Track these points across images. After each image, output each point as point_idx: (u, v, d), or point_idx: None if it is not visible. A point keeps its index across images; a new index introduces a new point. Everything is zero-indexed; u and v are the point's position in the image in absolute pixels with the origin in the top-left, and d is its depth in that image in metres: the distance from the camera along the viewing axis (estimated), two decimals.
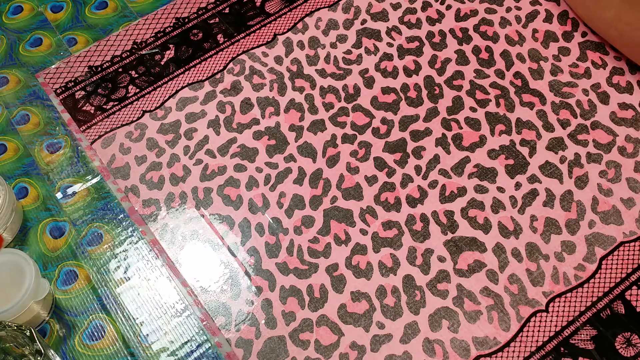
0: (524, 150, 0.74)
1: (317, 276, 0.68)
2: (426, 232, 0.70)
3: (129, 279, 0.69)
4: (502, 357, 0.62)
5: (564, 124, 0.75)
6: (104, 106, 0.81)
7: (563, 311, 0.64)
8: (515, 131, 0.75)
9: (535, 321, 0.64)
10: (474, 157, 0.74)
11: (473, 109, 0.77)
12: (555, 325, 0.64)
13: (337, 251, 0.69)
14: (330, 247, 0.69)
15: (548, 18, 0.84)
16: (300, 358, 0.64)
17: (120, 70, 0.84)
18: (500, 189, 0.72)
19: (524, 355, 0.62)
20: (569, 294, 0.65)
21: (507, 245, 0.68)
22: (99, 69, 0.84)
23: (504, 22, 0.84)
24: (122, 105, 0.81)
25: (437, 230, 0.70)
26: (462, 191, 0.72)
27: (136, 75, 0.83)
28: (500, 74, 0.80)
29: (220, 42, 0.85)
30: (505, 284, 0.66)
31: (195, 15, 0.88)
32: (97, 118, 0.80)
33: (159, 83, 0.82)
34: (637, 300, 0.65)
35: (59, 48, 0.87)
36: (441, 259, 0.68)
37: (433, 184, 0.72)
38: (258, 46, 0.84)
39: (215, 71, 0.83)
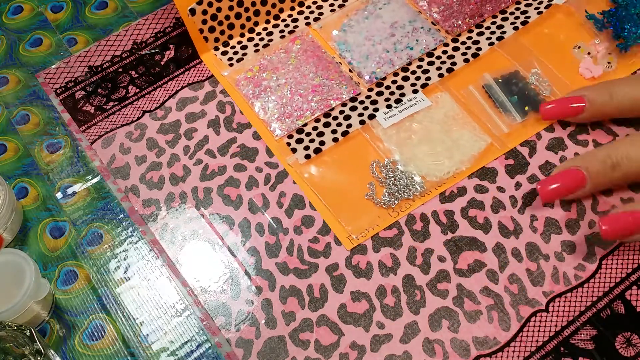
0: (524, 151, 0.74)
1: (317, 276, 0.68)
2: (426, 232, 0.70)
3: (129, 279, 0.70)
4: (502, 357, 0.62)
5: (564, 124, 0.75)
6: (104, 106, 0.81)
7: (563, 311, 0.64)
8: None
9: (535, 321, 0.64)
10: None
11: None
12: (555, 325, 0.64)
13: (337, 251, 0.69)
14: (330, 247, 0.69)
15: None
16: (300, 358, 0.64)
17: (120, 70, 0.84)
18: (500, 189, 0.72)
19: (524, 355, 0.62)
20: (569, 294, 0.65)
21: (507, 245, 0.68)
22: (99, 69, 0.84)
23: None
24: (122, 105, 0.81)
25: (437, 230, 0.70)
26: (462, 191, 0.72)
27: (136, 75, 0.83)
28: None
29: None
30: (505, 283, 0.66)
31: None
32: (97, 118, 0.80)
33: (159, 83, 0.82)
34: (637, 300, 0.65)
35: (59, 48, 0.88)
36: (441, 259, 0.68)
37: None
38: None
39: None
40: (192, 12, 0.79)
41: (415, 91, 0.77)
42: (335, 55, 0.81)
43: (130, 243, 0.72)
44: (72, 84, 0.84)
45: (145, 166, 0.76)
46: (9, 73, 0.86)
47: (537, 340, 0.63)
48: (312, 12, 0.85)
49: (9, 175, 0.77)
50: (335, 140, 0.75)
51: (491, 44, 0.80)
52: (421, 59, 0.80)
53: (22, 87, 0.85)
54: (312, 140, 0.75)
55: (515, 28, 0.80)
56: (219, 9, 0.80)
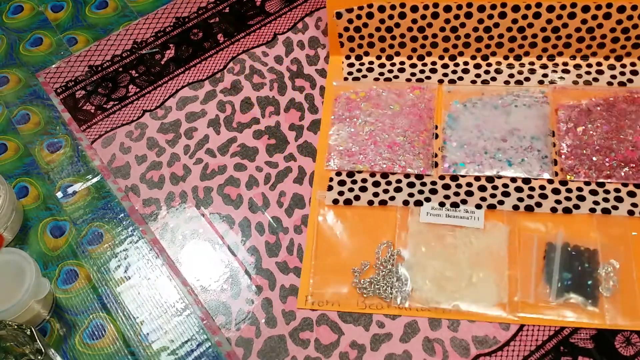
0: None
1: None
2: None
3: (129, 278, 0.70)
4: (501, 356, 0.62)
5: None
6: (105, 105, 0.81)
7: None
8: None
9: None
10: None
11: None
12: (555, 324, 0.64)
13: None
14: None
15: None
16: (300, 357, 0.64)
17: (120, 69, 0.84)
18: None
19: (524, 355, 0.62)
20: None
21: None
22: (100, 68, 0.84)
23: None
24: (122, 104, 0.81)
25: None
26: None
27: (136, 75, 0.83)
28: None
29: (221, 41, 0.85)
30: None
31: (196, 14, 0.88)
32: (98, 117, 0.80)
33: (159, 82, 0.82)
34: None
35: (60, 47, 0.88)
36: None
37: None
38: (258, 46, 0.84)
39: (216, 70, 0.83)
40: (339, 15, 0.76)
41: (478, 206, 0.68)
42: (439, 126, 0.74)
43: (131, 242, 0.72)
44: (73, 83, 0.84)
45: (145, 165, 0.76)
46: (10, 72, 0.86)
47: (536, 340, 0.63)
48: (454, 72, 0.78)
49: (10, 174, 0.78)
50: (370, 203, 0.70)
51: (593, 210, 0.67)
52: (513, 180, 0.70)
53: (22, 87, 0.85)
54: (350, 190, 0.71)
55: (631, 212, 0.67)
56: (365, 25, 0.77)
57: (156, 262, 0.70)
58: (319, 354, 0.64)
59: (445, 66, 0.78)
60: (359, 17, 0.76)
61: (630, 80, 0.75)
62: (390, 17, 0.76)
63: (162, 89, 0.82)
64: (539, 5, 0.73)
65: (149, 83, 0.83)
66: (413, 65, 0.79)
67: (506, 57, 0.77)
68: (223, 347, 0.65)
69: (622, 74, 0.75)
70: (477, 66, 0.78)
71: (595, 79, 0.75)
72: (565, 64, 0.76)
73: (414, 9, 0.75)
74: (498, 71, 0.77)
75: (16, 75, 0.86)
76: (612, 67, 0.75)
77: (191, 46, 0.85)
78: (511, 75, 0.77)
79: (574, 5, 0.73)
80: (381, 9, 0.75)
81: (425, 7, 0.75)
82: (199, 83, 0.82)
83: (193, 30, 0.86)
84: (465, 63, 0.78)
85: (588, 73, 0.75)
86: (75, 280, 0.70)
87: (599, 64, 0.76)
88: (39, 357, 0.59)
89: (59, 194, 0.76)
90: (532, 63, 0.77)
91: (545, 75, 0.76)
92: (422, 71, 0.78)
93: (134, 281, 0.69)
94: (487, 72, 0.77)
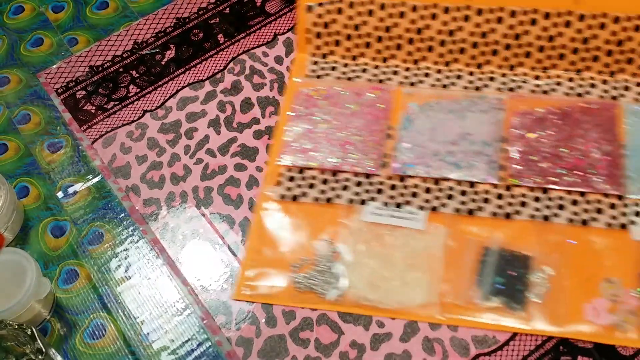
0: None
1: None
2: None
3: (130, 278, 0.70)
4: (501, 355, 0.62)
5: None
6: (105, 106, 0.81)
7: None
8: None
9: None
10: None
11: None
12: None
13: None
14: None
15: None
16: (300, 357, 0.64)
17: (121, 70, 0.84)
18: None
19: (523, 354, 0.62)
20: None
21: None
22: (100, 68, 0.85)
23: None
24: (123, 104, 0.81)
25: None
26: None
27: (137, 75, 0.84)
28: None
29: (221, 42, 0.85)
30: None
31: (196, 15, 0.88)
32: (98, 118, 0.81)
33: (160, 83, 0.83)
34: None
35: (60, 48, 0.88)
36: None
37: None
38: (258, 46, 0.84)
39: (216, 71, 0.83)
40: (310, 8, 0.77)
41: (421, 207, 0.69)
42: (394, 127, 0.74)
43: (131, 242, 0.72)
44: (73, 83, 0.84)
45: (145, 165, 0.77)
46: (10, 73, 0.86)
47: (536, 339, 0.63)
48: (416, 76, 0.78)
49: (10, 174, 0.78)
50: (316, 200, 0.71)
51: (532, 216, 0.68)
52: (459, 183, 0.70)
53: (23, 87, 0.85)
54: (299, 186, 0.72)
55: (571, 221, 0.67)
56: (334, 21, 0.78)
57: (156, 262, 0.70)
58: (319, 354, 0.64)
59: (407, 69, 0.79)
60: (328, 12, 0.78)
61: (587, 93, 0.75)
62: (359, 14, 0.77)
63: (162, 89, 0.82)
64: (502, 9, 0.74)
65: (149, 83, 0.83)
66: (376, 67, 0.80)
67: (468, 65, 0.78)
68: (223, 346, 0.65)
69: (581, 86, 0.75)
70: (439, 71, 0.78)
71: (553, 90, 0.75)
72: (525, 74, 0.77)
73: (382, 6, 0.76)
74: (459, 77, 0.78)
75: (17, 76, 0.86)
76: (570, 79, 0.76)
77: (191, 46, 0.85)
78: (470, 82, 0.77)
79: (535, 11, 0.74)
80: (351, 5, 0.77)
81: (393, 6, 0.76)
82: (199, 83, 0.82)
83: (193, 31, 0.87)
84: (428, 68, 0.79)
85: (547, 84, 0.76)
86: (76, 280, 0.70)
87: (558, 76, 0.76)
88: (40, 357, 0.59)
89: (60, 194, 0.76)
90: (492, 72, 0.77)
91: (504, 83, 0.77)
92: (384, 72, 0.79)
93: (134, 281, 0.69)
94: (447, 77, 0.78)
